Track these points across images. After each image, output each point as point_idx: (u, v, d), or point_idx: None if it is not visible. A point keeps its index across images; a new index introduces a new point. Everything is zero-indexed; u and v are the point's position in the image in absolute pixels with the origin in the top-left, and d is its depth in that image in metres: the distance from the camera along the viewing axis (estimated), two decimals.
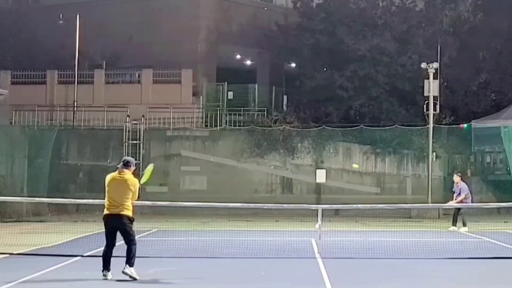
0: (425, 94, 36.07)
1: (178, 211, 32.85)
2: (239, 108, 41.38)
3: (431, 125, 36.03)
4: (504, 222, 30.45)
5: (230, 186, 37.50)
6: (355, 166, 37.92)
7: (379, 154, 39.72)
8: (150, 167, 14.89)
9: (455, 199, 26.67)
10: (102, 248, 14.40)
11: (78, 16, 41.39)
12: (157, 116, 40.02)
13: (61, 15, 44.92)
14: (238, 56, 48.60)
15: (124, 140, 38.15)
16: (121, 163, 14.37)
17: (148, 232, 24.03)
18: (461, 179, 27.13)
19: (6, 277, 14.11)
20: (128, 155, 35.66)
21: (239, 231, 24.89)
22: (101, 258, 14.28)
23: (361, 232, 26.27)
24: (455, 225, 26.49)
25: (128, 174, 14.22)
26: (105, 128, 39.77)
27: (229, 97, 42.31)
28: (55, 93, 42.65)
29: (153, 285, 13.85)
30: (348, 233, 24.73)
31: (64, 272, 15.29)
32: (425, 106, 36.30)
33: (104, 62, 43.77)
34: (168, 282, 14.14)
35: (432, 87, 35.63)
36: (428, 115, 36.11)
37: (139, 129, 38.65)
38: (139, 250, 14.27)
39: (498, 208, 34.64)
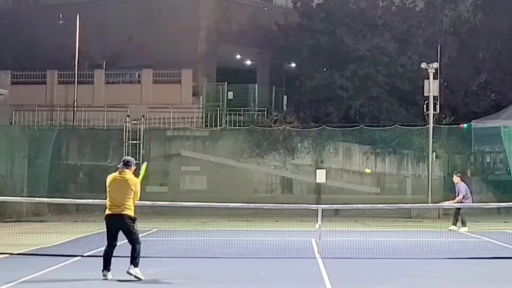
0: (425, 94, 36.08)
1: (178, 211, 32.85)
2: (239, 108, 41.39)
3: (431, 125, 36.03)
4: (504, 222, 30.44)
5: (230, 186, 37.51)
6: (367, 171, 37.66)
7: (379, 154, 39.72)
8: (144, 166, 14.92)
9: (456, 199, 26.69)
10: (102, 248, 14.40)
11: (78, 16, 41.39)
12: (157, 116, 40.02)
13: (61, 15, 44.93)
14: (238, 56, 48.60)
15: (124, 140, 38.16)
16: (121, 163, 14.37)
17: (148, 232, 24.02)
18: (461, 179, 27.12)
19: (6, 277, 14.11)
20: (128, 155, 35.56)
21: (239, 231, 24.89)
22: (101, 258, 14.28)
23: (361, 232, 26.26)
24: (455, 225, 26.49)
25: (129, 174, 14.22)
26: (105, 128, 39.78)
27: (229, 97, 42.31)
28: (55, 93, 42.65)
29: (153, 285, 13.84)
30: (348, 233, 24.72)
31: (64, 272, 15.29)
32: (425, 106, 36.30)
33: (104, 62, 43.77)
34: (168, 282, 14.13)
35: (432, 87, 35.63)
36: (428, 115, 36.11)
37: (139, 129, 38.66)
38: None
39: (498, 208, 34.63)
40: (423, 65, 35.86)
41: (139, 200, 14.55)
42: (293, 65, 46.60)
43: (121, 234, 14.18)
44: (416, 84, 39.61)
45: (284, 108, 43.84)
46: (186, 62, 42.89)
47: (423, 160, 38.64)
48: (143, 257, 14.20)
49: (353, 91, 42.03)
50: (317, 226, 19.16)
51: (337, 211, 32.57)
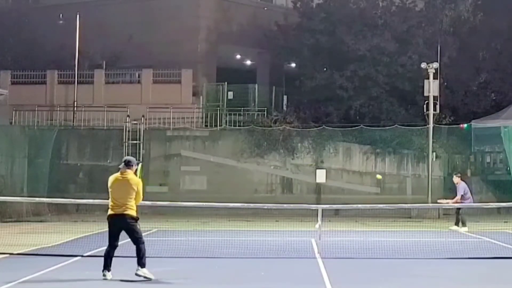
0: (425, 94, 36.07)
1: (178, 211, 32.84)
2: (239, 108, 41.38)
3: (431, 125, 36.02)
4: (504, 222, 30.44)
5: (230, 186, 37.51)
6: (378, 177, 37.54)
7: (379, 154, 39.73)
8: (138, 167, 14.92)
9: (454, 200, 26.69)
10: (102, 248, 14.40)
11: (78, 16, 41.40)
12: (157, 116, 40.03)
13: (61, 15, 44.91)
14: (238, 56, 48.59)
15: (124, 140, 38.16)
16: (123, 163, 14.38)
17: (148, 232, 24.00)
18: (462, 179, 27.11)
19: (6, 277, 14.11)
20: (128, 155, 35.58)
21: (239, 231, 24.89)
22: (101, 258, 14.28)
23: (361, 232, 26.27)
24: (457, 225, 26.47)
25: (130, 174, 14.25)
26: (105, 128, 39.78)
27: (229, 97, 42.30)
28: (55, 93, 42.65)
29: (153, 285, 13.84)
30: (348, 233, 24.73)
31: (64, 272, 15.29)
32: (425, 106, 36.30)
33: (104, 62, 43.77)
34: (168, 282, 14.13)
35: (432, 87, 35.63)
36: (428, 115, 36.10)
37: (139, 129, 38.66)
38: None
39: (498, 208, 34.63)
40: (423, 65, 35.85)
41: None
42: (293, 65, 46.59)
43: (122, 235, 14.18)
44: (416, 84, 39.61)
45: (284, 108, 43.84)
46: (186, 62, 42.89)
47: (423, 160, 38.64)
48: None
49: (353, 91, 42.04)
50: (317, 226, 19.16)
51: (337, 211, 32.58)
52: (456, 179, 26.99)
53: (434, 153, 37.38)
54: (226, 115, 41.24)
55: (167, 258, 17.24)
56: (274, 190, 39.46)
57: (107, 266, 14.09)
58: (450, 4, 45.37)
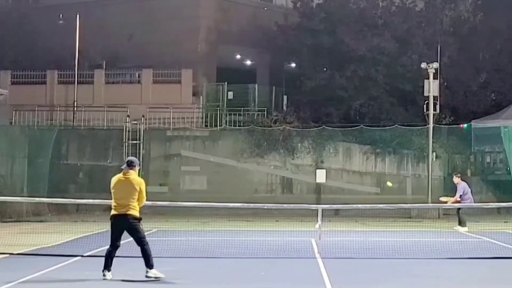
0: (425, 94, 36.08)
1: (178, 211, 32.83)
2: (239, 108, 41.39)
3: (431, 125, 36.03)
4: (504, 222, 30.44)
5: (230, 186, 37.51)
6: (389, 184, 37.47)
7: (379, 154, 39.74)
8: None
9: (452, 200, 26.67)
10: (102, 248, 14.41)
11: (78, 16, 41.41)
12: (157, 116, 40.04)
13: (61, 15, 44.94)
14: (238, 56, 48.58)
15: (124, 140, 38.17)
16: (125, 164, 14.40)
17: (148, 232, 23.89)
18: (462, 179, 27.08)
19: (6, 277, 14.11)
20: (128, 155, 35.72)
21: (239, 231, 24.89)
22: (101, 258, 14.28)
23: (361, 232, 26.26)
24: (461, 225, 26.41)
25: (133, 174, 14.26)
26: (105, 128, 39.80)
27: (229, 97, 42.31)
28: (55, 93, 42.68)
29: (153, 285, 13.84)
30: (348, 233, 24.72)
31: (64, 272, 15.29)
32: (425, 106, 36.29)
33: (104, 62, 43.78)
34: (168, 282, 14.12)
35: (432, 87, 35.64)
36: (428, 115, 36.10)
37: (139, 129, 38.67)
38: (139, 250, 14.25)
39: (498, 208, 34.63)
40: (423, 65, 35.85)
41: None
42: (293, 65, 46.60)
43: (124, 235, 14.18)
44: (416, 84, 39.61)
45: (284, 108, 43.84)
46: (186, 62, 42.91)
47: (423, 160, 38.64)
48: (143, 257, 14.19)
49: (353, 91, 42.05)
50: (317, 226, 19.15)
51: (337, 211, 32.57)
52: (456, 179, 26.96)
53: (434, 153, 37.38)
54: (226, 115, 41.25)
55: (167, 258, 17.22)
56: (274, 190, 39.47)
57: (107, 266, 14.09)
58: (450, 4, 45.39)
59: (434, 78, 35.84)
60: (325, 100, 42.22)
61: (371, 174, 39.64)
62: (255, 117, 41.01)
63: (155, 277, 13.92)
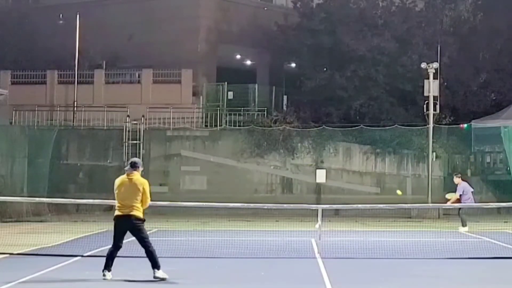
0: (425, 94, 36.07)
1: (178, 211, 32.82)
2: (239, 108, 41.39)
3: (431, 125, 36.02)
4: (504, 222, 30.43)
5: (230, 186, 37.51)
6: (399, 192, 37.32)
7: (379, 154, 39.74)
8: None
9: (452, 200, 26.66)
10: (102, 248, 14.41)
11: (78, 16, 41.40)
12: (157, 116, 40.04)
13: (61, 15, 44.94)
14: (238, 56, 48.59)
15: (124, 140, 38.17)
16: (128, 165, 14.40)
17: (148, 232, 23.96)
18: (463, 179, 27.07)
19: (6, 277, 14.11)
20: (128, 155, 35.85)
21: (239, 231, 24.88)
22: (101, 258, 14.28)
23: (361, 232, 26.26)
24: (462, 225, 26.36)
25: (136, 175, 14.26)
26: (105, 128, 39.80)
27: (229, 97, 42.31)
28: (55, 93, 42.68)
29: (153, 285, 13.84)
30: (348, 233, 24.73)
31: (64, 272, 15.29)
32: (425, 106, 36.29)
33: (104, 62, 43.78)
34: (168, 282, 14.12)
35: (432, 87, 35.63)
36: (428, 115, 36.10)
37: (139, 129, 38.67)
38: (139, 250, 14.26)
39: (498, 208, 34.62)
40: (423, 65, 35.85)
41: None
42: (293, 65, 46.62)
43: (126, 235, 14.18)
44: (416, 84, 39.61)
45: (284, 108, 43.85)
46: (186, 62, 42.91)
47: (423, 160, 38.64)
48: (144, 257, 14.18)
49: (353, 91, 42.05)
50: (317, 226, 19.15)
51: (337, 211, 32.56)
52: (456, 179, 26.95)
53: (434, 153, 37.38)
54: (226, 115, 41.26)
55: (167, 258, 17.18)
56: (274, 190, 39.47)
57: (108, 266, 14.08)
58: (450, 4, 45.39)
59: (434, 78, 35.83)
60: (325, 100, 42.22)
61: (371, 174, 39.65)
62: (255, 117, 41.01)
63: (162, 278, 13.91)
